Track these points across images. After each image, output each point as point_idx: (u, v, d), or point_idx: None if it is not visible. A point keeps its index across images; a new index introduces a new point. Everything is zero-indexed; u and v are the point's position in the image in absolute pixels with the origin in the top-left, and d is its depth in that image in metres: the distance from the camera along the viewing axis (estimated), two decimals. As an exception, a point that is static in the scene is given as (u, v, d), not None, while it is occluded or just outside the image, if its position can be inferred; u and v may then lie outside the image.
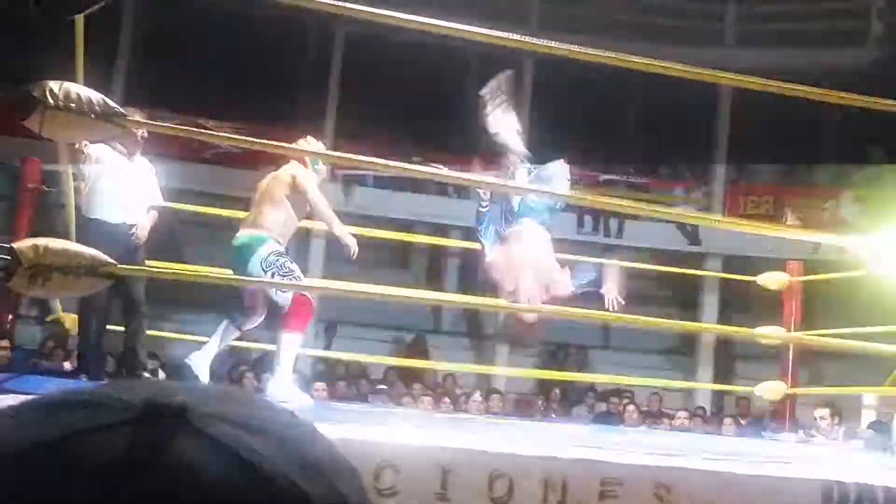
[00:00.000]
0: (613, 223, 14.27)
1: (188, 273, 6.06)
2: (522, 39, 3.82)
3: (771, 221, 13.76)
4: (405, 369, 11.31)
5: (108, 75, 12.82)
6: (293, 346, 5.20)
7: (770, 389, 7.29)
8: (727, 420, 10.07)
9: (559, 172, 5.59)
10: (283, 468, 0.45)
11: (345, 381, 10.57)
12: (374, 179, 13.97)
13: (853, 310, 7.56)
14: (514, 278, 5.25)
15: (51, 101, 2.95)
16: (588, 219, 14.06)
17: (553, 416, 10.41)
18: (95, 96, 3.06)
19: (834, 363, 11.25)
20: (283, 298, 5.15)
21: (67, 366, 7.80)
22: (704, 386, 13.25)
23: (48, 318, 7.72)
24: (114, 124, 3.11)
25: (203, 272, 6.09)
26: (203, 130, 4.95)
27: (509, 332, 5.66)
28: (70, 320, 6.19)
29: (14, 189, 7.53)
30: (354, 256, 5.20)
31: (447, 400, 9.86)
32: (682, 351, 14.52)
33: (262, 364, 8.89)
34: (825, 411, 8.36)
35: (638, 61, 3.86)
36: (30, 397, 0.50)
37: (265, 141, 4.18)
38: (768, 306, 8.00)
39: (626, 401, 10.83)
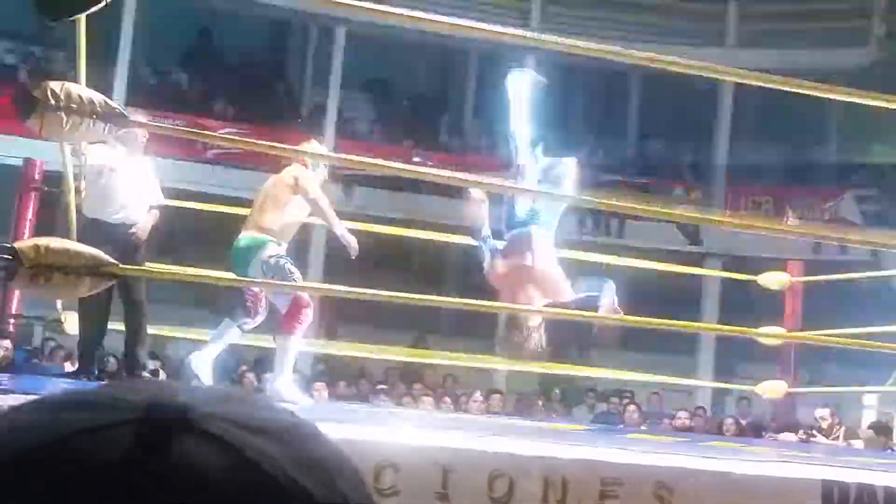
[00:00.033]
0: (614, 223, 14.27)
1: (188, 274, 6.06)
2: (525, 35, 3.82)
3: (772, 221, 13.76)
4: (406, 369, 11.31)
5: (109, 75, 12.82)
6: (293, 348, 5.23)
7: (771, 388, 7.29)
8: (728, 420, 10.07)
9: (568, 173, 5.55)
10: (285, 467, 0.46)
11: (345, 381, 10.58)
12: (374, 179, 13.97)
13: (854, 309, 7.57)
14: (513, 293, 5.22)
15: (52, 101, 2.95)
16: (589, 219, 14.06)
17: (554, 416, 10.41)
18: (97, 97, 3.06)
19: (834, 363, 11.25)
20: (284, 301, 5.18)
21: (68, 366, 7.80)
22: (705, 384, 13.25)
23: (49, 318, 7.72)
24: (115, 125, 3.11)
25: (203, 272, 6.09)
26: (203, 132, 4.94)
27: (509, 343, 5.61)
28: (71, 320, 6.19)
29: (16, 189, 7.55)
30: (355, 255, 5.24)
31: (448, 400, 9.86)
32: (682, 351, 14.52)
33: (263, 364, 8.90)
34: (826, 411, 8.37)
35: (640, 55, 3.86)
36: (32, 398, 0.51)
37: (264, 142, 4.19)
38: (769, 306, 8.00)
39: (626, 401, 10.83)
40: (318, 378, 10.10)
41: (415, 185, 13.79)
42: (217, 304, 6.15)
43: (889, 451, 7.02)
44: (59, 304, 6.47)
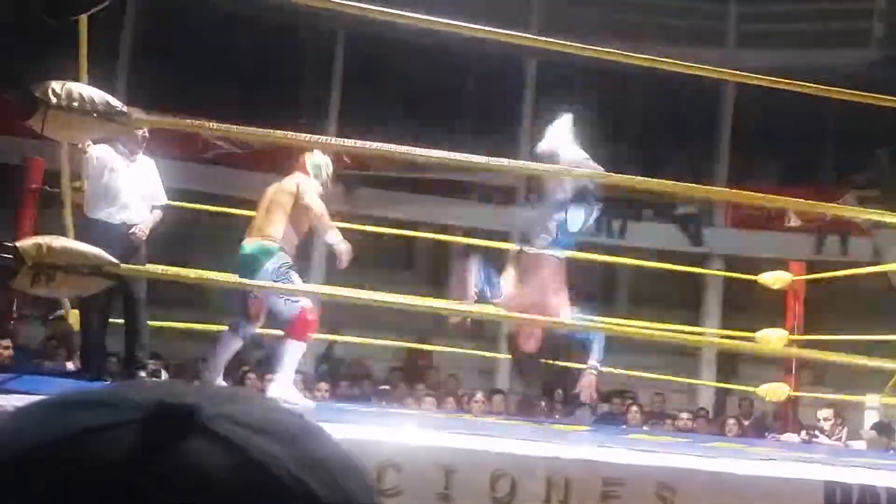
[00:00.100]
0: (616, 224, 14.27)
1: (190, 277, 6.05)
2: (526, 36, 3.82)
3: (773, 222, 13.77)
4: (408, 370, 11.30)
5: (110, 75, 12.82)
6: (296, 354, 5.28)
7: (773, 391, 7.29)
8: (730, 421, 10.06)
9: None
10: (290, 468, 0.46)
11: (347, 381, 10.58)
12: (376, 180, 13.98)
13: (856, 309, 7.56)
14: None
15: (53, 100, 2.95)
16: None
17: (556, 416, 10.40)
18: (98, 95, 3.06)
19: (836, 363, 11.23)
20: (290, 310, 5.21)
21: (70, 366, 7.79)
22: (708, 384, 13.24)
23: (51, 317, 7.71)
24: (116, 123, 3.11)
25: (204, 274, 6.09)
26: (206, 123, 4.94)
27: (512, 359, 5.74)
28: (75, 318, 6.19)
29: (17, 189, 7.54)
30: (344, 266, 5.31)
31: (450, 400, 9.86)
32: (684, 351, 14.51)
33: (265, 365, 8.90)
34: (828, 412, 8.35)
35: (641, 57, 3.86)
36: (40, 397, 0.50)
37: (268, 131, 4.18)
38: (771, 306, 8.00)
39: (629, 401, 10.83)
40: (320, 378, 10.10)
41: (417, 186, 13.80)
42: (218, 303, 6.15)
43: (892, 451, 7.01)
44: (66, 302, 6.47)
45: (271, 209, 5.44)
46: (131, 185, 5.71)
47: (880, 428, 7.45)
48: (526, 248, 5.63)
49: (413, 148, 4.72)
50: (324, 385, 9.24)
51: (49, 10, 3.09)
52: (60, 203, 6.01)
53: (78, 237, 5.24)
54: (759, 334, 7.26)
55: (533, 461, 2.99)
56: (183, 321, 7.87)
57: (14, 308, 7.13)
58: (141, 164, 5.80)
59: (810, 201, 6.84)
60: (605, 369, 5.85)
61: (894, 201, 6.55)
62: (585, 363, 5.60)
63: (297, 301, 5.23)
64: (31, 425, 0.46)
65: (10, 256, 2.97)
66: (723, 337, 10.10)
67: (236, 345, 5.58)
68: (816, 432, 8.14)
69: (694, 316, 13.74)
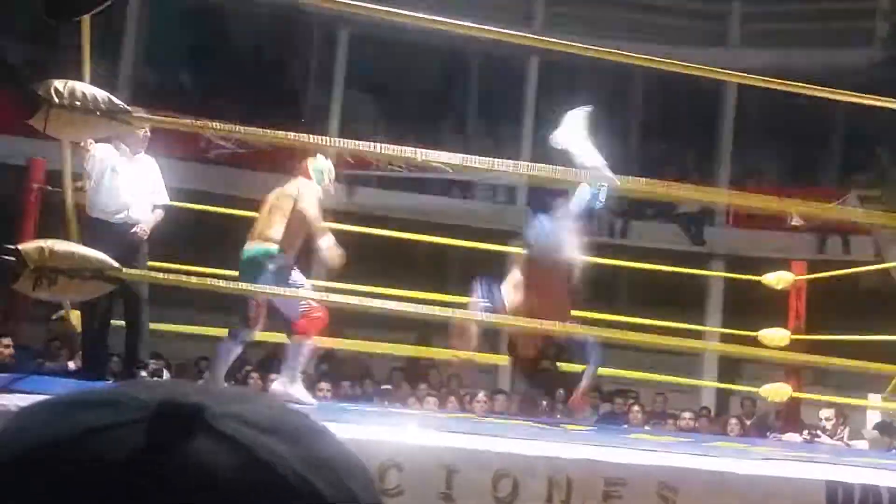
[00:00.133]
0: (618, 223, 14.27)
1: (192, 282, 6.04)
2: (527, 36, 3.83)
3: (775, 222, 13.75)
4: (410, 370, 11.28)
5: (112, 75, 12.83)
6: (304, 351, 5.28)
7: (775, 391, 7.28)
8: (732, 420, 10.05)
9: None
10: (296, 467, 0.46)
11: (349, 381, 10.57)
12: (377, 180, 13.98)
13: (858, 308, 7.56)
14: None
15: (56, 99, 2.95)
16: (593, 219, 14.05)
17: (558, 416, 10.40)
18: (100, 94, 3.06)
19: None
20: (295, 313, 5.23)
21: (72, 366, 7.80)
22: (710, 384, 13.23)
23: (53, 317, 7.71)
24: (118, 122, 3.11)
25: (206, 275, 6.08)
26: (208, 123, 4.95)
27: (511, 362, 5.78)
28: (76, 318, 6.19)
29: (19, 189, 7.53)
30: (331, 271, 5.34)
31: (452, 400, 9.85)
32: (686, 351, 14.50)
33: (268, 365, 8.90)
34: (830, 412, 8.35)
35: (643, 58, 3.86)
36: (45, 397, 0.51)
37: (269, 131, 4.18)
38: (773, 306, 7.99)
39: (630, 401, 10.83)
40: (322, 378, 10.10)
41: (417, 186, 13.80)
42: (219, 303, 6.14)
43: (894, 451, 7.01)
44: (67, 302, 6.47)
45: (272, 213, 5.47)
46: (133, 184, 5.71)
47: (882, 427, 7.45)
48: (530, 251, 5.63)
49: (413, 148, 4.73)
50: (325, 385, 9.24)
51: (49, 10, 3.09)
52: (62, 203, 6.01)
53: (81, 237, 5.25)
54: (761, 334, 7.26)
55: (535, 461, 2.99)
56: (183, 321, 7.87)
57: (16, 306, 7.12)
58: (142, 163, 5.80)
59: (810, 202, 6.83)
60: (606, 370, 5.87)
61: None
62: (583, 371, 5.64)
63: (303, 302, 5.25)
64: (34, 425, 0.46)
65: (12, 259, 2.97)
66: (724, 339, 10.11)
67: (236, 350, 5.60)
68: (818, 432, 8.14)
69: (695, 315, 13.73)
